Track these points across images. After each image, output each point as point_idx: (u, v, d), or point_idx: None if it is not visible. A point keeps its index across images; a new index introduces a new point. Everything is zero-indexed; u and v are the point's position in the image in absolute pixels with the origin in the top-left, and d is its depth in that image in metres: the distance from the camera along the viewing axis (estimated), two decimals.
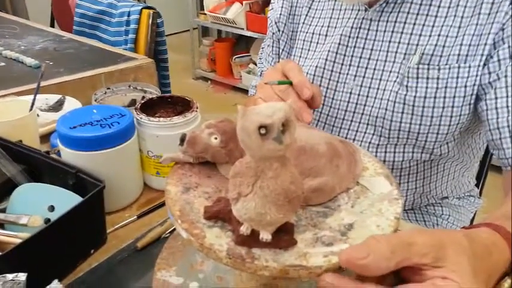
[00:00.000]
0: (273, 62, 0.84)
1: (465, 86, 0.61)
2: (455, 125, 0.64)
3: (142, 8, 1.49)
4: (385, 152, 0.69)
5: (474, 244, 0.36)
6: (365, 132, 0.70)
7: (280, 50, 0.82)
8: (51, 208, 0.53)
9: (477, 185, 0.96)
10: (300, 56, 0.76)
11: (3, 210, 0.55)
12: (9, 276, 0.42)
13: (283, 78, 0.56)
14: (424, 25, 0.63)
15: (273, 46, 0.83)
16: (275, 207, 0.31)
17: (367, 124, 0.69)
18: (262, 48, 0.89)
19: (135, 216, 0.60)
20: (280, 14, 0.79)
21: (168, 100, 0.67)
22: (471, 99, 0.62)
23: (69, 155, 0.57)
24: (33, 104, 0.65)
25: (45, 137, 0.74)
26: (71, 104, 0.86)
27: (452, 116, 0.63)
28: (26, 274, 0.42)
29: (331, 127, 0.73)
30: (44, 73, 0.68)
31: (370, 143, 0.69)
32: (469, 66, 0.60)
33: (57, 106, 0.86)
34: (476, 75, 0.61)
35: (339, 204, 0.42)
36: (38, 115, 0.74)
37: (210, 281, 0.49)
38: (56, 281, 0.43)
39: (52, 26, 2.64)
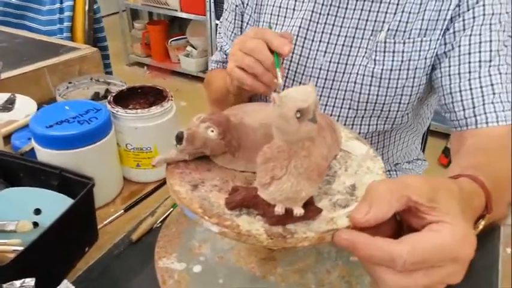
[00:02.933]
0: (234, 35, 0.84)
1: (425, 58, 0.67)
2: (415, 95, 0.70)
3: None
4: (353, 124, 0.74)
5: (461, 190, 0.40)
6: (334, 106, 0.74)
7: (245, 24, 0.82)
8: (37, 211, 0.52)
9: (422, 149, 1.07)
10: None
11: None
12: (17, 283, 0.41)
13: (252, 39, 0.59)
14: (389, 3, 0.67)
15: (235, 19, 0.83)
16: (308, 182, 0.34)
17: (336, 98, 0.73)
18: (221, 22, 0.89)
19: (122, 210, 0.60)
20: None
21: (138, 91, 0.66)
22: (428, 70, 0.69)
23: (46, 155, 0.55)
24: None
25: (5, 139, 0.70)
26: (24, 102, 0.81)
27: (413, 86, 0.69)
28: (34, 279, 0.41)
29: None
30: None
31: (339, 116, 0.74)
32: (430, 40, 0.66)
33: (8, 105, 0.81)
34: (435, 48, 0.67)
35: (335, 171, 0.45)
36: None
37: (211, 262, 0.51)
38: (65, 281, 0.43)
39: None
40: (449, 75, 0.65)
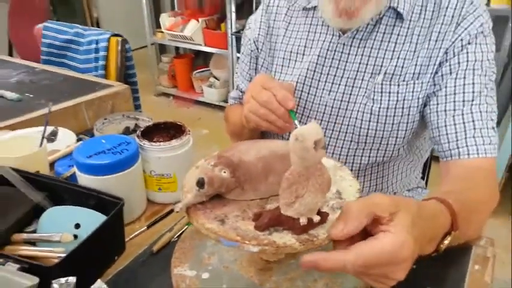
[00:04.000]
0: (250, 76, 0.97)
1: (418, 98, 0.77)
2: (410, 130, 0.80)
3: (110, 36, 1.58)
4: (354, 155, 0.84)
5: (421, 209, 0.48)
6: (338, 139, 0.84)
7: (259, 66, 0.93)
8: (77, 226, 0.64)
9: (423, 178, 1.15)
10: (281, 72, 0.88)
11: (34, 232, 0.64)
12: (62, 280, 0.52)
13: (262, 90, 0.70)
14: (386, 50, 0.77)
15: (250, 62, 0.95)
16: (321, 195, 0.46)
17: (340, 132, 0.83)
18: (239, 64, 1.00)
19: (145, 227, 0.71)
20: (259, 34, 0.91)
21: (161, 126, 0.78)
22: (421, 108, 0.78)
23: (86, 180, 0.67)
24: (43, 137, 0.75)
25: (50, 166, 0.83)
26: (65, 134, 0.94)
27: (408, 122, 0.78)
28: (75, 277, 0.52)
29: None
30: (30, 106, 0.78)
31: (342, 147, 0.84)
32: (422, 82, 0.76)
33: (52, 137, 0.95)
34: (426, 89, 0.76)
35: None
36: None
37: (218, 271, 0.61)
38: (99, 281, 0.54)
39: (10, 54, 2.65)
40: (437, 111, 0.75)
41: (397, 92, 0.77)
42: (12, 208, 0.64)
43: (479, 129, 0.72)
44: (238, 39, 2.82)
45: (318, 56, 0.82)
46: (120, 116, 0.86)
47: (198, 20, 2.99)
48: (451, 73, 0.74)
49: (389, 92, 0.77)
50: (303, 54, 0.85)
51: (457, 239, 0.57)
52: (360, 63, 0.79)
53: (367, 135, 0.81)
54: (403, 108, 0.78)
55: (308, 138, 0.42)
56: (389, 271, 0.45)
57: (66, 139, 0.94)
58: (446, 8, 0.75)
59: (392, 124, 0.79)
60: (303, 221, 0.46)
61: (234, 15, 2.77)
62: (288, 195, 0.46)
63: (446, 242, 0.55)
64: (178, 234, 0.69)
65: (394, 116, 0.78)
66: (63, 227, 0.63)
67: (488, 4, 2.03)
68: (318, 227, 0.48)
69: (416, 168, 0.96)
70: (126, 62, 1.62)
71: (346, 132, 0.83)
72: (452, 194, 0.58)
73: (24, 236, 0.62)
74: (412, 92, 0.77)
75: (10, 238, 0.62)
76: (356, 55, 0.79)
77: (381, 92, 0.78)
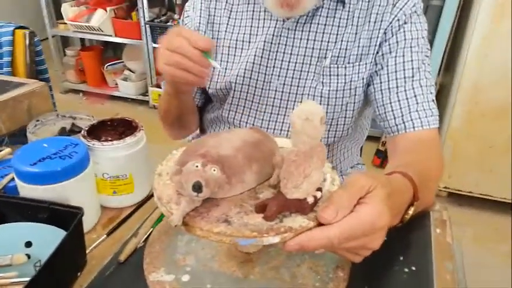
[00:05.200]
0: None
1: (363, 79, 0.80)
2: (357, 110, 0.83)
3: (14, 29, 1.40)
4: None
5: (392, 184, 0.52)
6: (289, 123, 0.84)
7: None
8: (28, 244, 0.55)
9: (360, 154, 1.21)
10: (227, 61, 0.86)
11: None
12: None
13: (175, 37, 0.64)
14: (330, 33, 0.79)
15: None
16: (322, 169, 0.46)
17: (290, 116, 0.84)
18: None
19: (105, 235, 0.65)
20: (200, 23, 0.88)
21: (107, 123, 0.71)
22: (365, 88, 0.81)
23: (31, 191, 0.58)
24: None
25: None
26: None
27: (355, 102, 0.82)
28: None
29: (261, 121, 0.86)
30: None
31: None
32: (365, 63, 0.79)
33: None
34: (370, 70, 0.80)
35: None
36: None
37: (197, 271, 0.58)
38: None
39: None
40: (381, 90, 0.78)
41: (344, 74, 0.80)
42: None
43: (421, 103, 0.76)
44: (153, 29, 2.69)
45: (264, 42, 0.82)
46: (53, 117, 0.77)
47: (105, 10, 2.79)
48: (390, 52, 0.78)
49: (337, 75, 0.80)
50: (249, 42, 0.84)
51: (418, 208, 0.61)
52: (306, 47, 0.80)
53: None
54: (350, 89, 0.80)
55: (316, 117, 0.42)
56: (367, 241, 0.47)
57: None
58: None
59: (341, 105, 0.82)
60: (310, 199, 0.46)
61: (146, 3, 2.63)
62: (296, 178, 0.45)
63: (410, 212, 0.59)
64: (144, 238, 0.64)
65: (342, 97, 0.81)
66: (12, 248, 0.54)
67: None
68: (319, 203, 0.48)
69: (358, 146, 1.01)
70: (35, 57, 1.45)
71: None
72: (410, 167, 0.62)
73: None
74: (358, 73, 0.80)
75: None
76: (301, 39, 0.80)
77: (329, 75, 0.80)
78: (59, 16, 3.00)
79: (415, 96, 0.77)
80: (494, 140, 1.85)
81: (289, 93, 0.83)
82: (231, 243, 0.46)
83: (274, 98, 0.84)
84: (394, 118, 0.78)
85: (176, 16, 2.71)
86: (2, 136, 1.02)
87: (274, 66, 0.82)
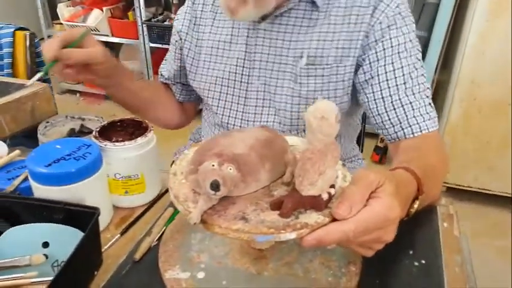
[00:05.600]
0: (177, 65, 0.97)
1: (343, 81, 0.80)
2: (339, 110, 0.82)
3: (15, 30, 1.40)
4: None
5: (399, 178, 0.54)
6: (273, 122, 0.86)
7: (185, 56, 0.93)
8: (45, 244, 0.56)
9: (361, 150, 1.23)
10: (210, 61, 0.89)
11: None
12: None
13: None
14: (306, 33, 0.79)
15: (175, 52, 0.96)
16: (335, 166, 0.47)
17: (274, 115, 0.86)
18: (168, 53, 1.01)
19: (119, 235, 0.65)
20: (183, 25, 0.92)
21: (117, 124, 0.72)
22: (349, 90, 0.81)
23: (47, 192, 0.59)
24: None
25: None
26: None
27: (336, 103, 0.81)
28: None
29: (247, 122, 0.88)
30: None
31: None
32: (345, 66, 0.79)
33: None
34: (351, 72, 0.79)
35: None
36: None
37: (212, 268, 0.59)
38: None
39: None
40: (375, 99, 0.78)
41: (322, 75, 0.80)
42: None
43: (417, 108, 0.77)
44: (150, 28, 2.69)
45: (246, 44, 0.83)
46: (62, 118, 0.77)
47: (101, 9, 2.78)
48: (378, 60, 0.77)
49: (315, 76, 0.80)
50: (230, 43, 0.86)
51: (423, 202, 0.62)
52: (282, 47, 0.81)
53: (298, 118, 0.84)
54: (329, 90, 0.81)
55: (331, 115, 0.44)
56: (382, 233, 0.49)
57: None
58: None
59: None
60: (325, 196, 0.47)
61: (142, 2, 2.62)
62: (312, 175, 0.46)
63: (415, 206, 0.60)
64: (158, 237, 0.64)
65: (321, 98, 0.81)
66: (29, 249, 0.55)
67: None
68: (333, 199, 0.50)
69: (352, 140, 1.02)
70: (36, 58, 1.45)
71: (278, 116, 0.85)
72: (413, 162, 0.63)
73: None
74: (336, 74, 0.80)
75: None
76: (277, 39, 0.81)
77: (307, 76, 0.80)
78: (55, 16, 2.98)
79: (411, 103, 0.77)
80: (491, 136, 1.87)
81: (269, 93, 0.84)
82: (249, 239, 0.47)
83: (257, 99, 0.86)
84: (393, 126, 0.78)
85: (173, 15, 2.71)
86: (4, 138, 1.02)
87: (253, 68, 0.84)
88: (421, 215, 0.66)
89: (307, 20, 0.79)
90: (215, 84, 0.88)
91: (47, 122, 0.74)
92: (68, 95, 3.21)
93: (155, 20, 2.68)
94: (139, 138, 0.66)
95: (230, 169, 0.48)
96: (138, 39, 2.77)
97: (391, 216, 0.48)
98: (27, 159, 0.60)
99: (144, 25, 2.69)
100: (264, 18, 0.80)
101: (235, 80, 0.86)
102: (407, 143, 0.77)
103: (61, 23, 2.93)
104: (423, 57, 2.23)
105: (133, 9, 2.74)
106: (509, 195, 1.97)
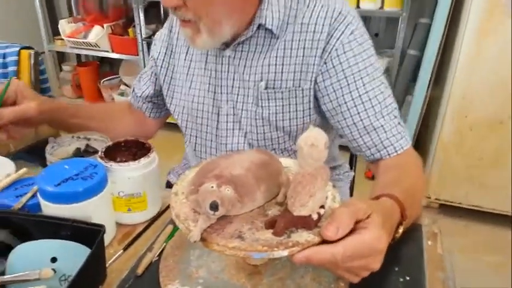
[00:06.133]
0: (151, 88, 1.02)
1: (302, 103, 0.84)
2: (301, 129, 0.87)
3: (20, 49, 1.45)
4: None
5: (384, 208, 0.59)
6: (244, 143, 0.91)
7: (161, 82, 0.99)
8: (53, 259, 0.60)
9: (351, 163, 1.27)
10: (183, 86, 0.94)
11: (3, 273, 0.59)
12: None
13: None
14: (264, 58, 0.83)
15: (150, 76, 1.01)
16: (325, 188, 0.52)
17: (244, 137, 0.91)
18: (143, 72, 1.05)
19: (122, 250, 0.69)
20: (159, 53, 0.97)
21: (122, 145, 0.76)
22: (311, 111, 0.85)
23: (55, 210, 0.63)
24: None
25: None
26: (2, 163, 0.86)
27: (297, 124, 0.86)
28: None
29: (220, 144, 0.93)
30: None
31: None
32: (302, 90, 0.83)
33: None
34: (309, 95, 0.83)
35: None
36: None
37: (210, 282, 0.63)
38: None
39: None
40: (347, 126, 0.83)
41: (282, 99, 0.85)
42: None
43: (389, 130, 0.81)
44: (150, 45, 2.74)
45: (214, 70, 0.89)
46: (69, 138, 0.81)
47: (102, 26, 2.84)
48: (342, 88, 0.80)
49: (275, 99, 0.85)
50: (204, 69, 0.90)
51: (407, 224, 0.67)
52: (244, 73, 0.86)
53: (264, 139, 0.90)
54: (289, 112, 0.86)
55: (321, 142, 0.48)
56: (369, 261, 0.53)
57: (2, 167, 0.86)
58: (317, 18, 0.80)
59: (283, 127, 0.87)
60: (315, 216, 0.52)
61: (143, 20, 2.69)
62: (303, 197, 0.50)
63: (400, 231, 0.65)
64: (158, 252, 0.68)
65: (283, 119, 0.86)
66: (38, 263, 0.59)
67: (382, 7, 2.27)
68: (323, 218, 0.54)
69: (330, 149, 1.04)
70: (40, 76, 1.50)
71: (245, 137, 0.91)
72: (395, 189, 0.68)
73: None
74: (295, 97, 0.84)
75: None
76: (239, 65, 0.86)
77: (267, 99, 0.85)
78: (56, 32, 3.04)
79: (382, 126, 0.81)
80: (483, 153, 1.92)
81: (238, 115, 0.89)
82: (244, 256, 0.51)
83: (227, 122, 0.90)
84: (369, 149, 0.83)
85: None
86: (9, 154, 1.06)
87: (221, 92, 0.89)
88: (407, 233, 0.70)
89: (266, 47, 0.83)
90: (191, 108, 0.93)
91: (54, 143, 0.77)
92: None
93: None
94: (142, 158, 0.71)
95: (228, 190, 0.53)
96: (138, 55, 2.83)
97: (379, 247, 0.52)
98: (38, 178, 0.64)
99: (144, 42, 2.75)
100: (228, 45, 0.85)
101: (207, 104, 0.91)
102: (386, 163, 0.82)
103: (62, 39, 2.99)
104: (415, 75, 2.29)
105: (134, 26, 2.80)
106: (501, 213, 2.01)
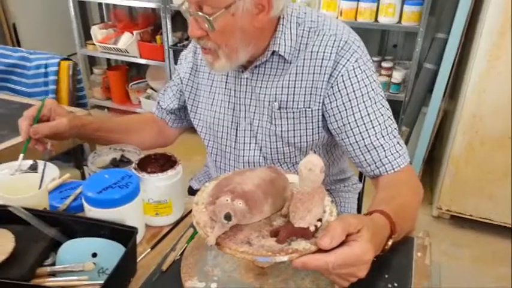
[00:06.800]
0: (175, 103, 1.13)
1: (312, 122, 0.94)
2: (311, 145, 0.98)
3: (60, 60, 1.59)
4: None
5: (374, 224, 0.68)
6: (259, 156, 1.02)
7: (186, 98, 1.10)
8: (94, 255, 0.72)
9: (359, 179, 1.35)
10: (205, 103, 1.05)
11: (53, 264, 0.71)
12: None
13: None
14: (278, 81, 0.94)
15: (176, 91, 1.12)
16: (322, 205, 0.63)
17: (259, 150, 1.02)
18: (168, 86, 1.15)
19: (149, 249, 0.81)
20: (185, 72, 1.08)
21: (152, 157, 0.88)
22: (319, 130, 0.95)
23: (95, 212, 0.75)
24: (43, 177, 0.81)
25: None
26: (49, 168, 0.98)
27: (307, 141, 0.97)
28: None
29: (238, 156, 1.04)
30: None
31: (260, 163, 1.02)
32: (312, 110, 0.93)
33: (33, 171, 0.99)
34: (318, 115, 0.93)
35: None
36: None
37: (223, 280, 0.74)
38: None
39: None
40: (350, 144, 0.92)
41: (293, 118, 0.95)
42: (32, 244, 0.71)
43: (388, 149, 0.90)
44: (176, 52, 2.89)
45: (234, 90, 1.00)
46: (106, 149, 0.94)
47: (132, 33, 3.00)
48: (346, 110, 0.90)
49: (287, 118, 0.95)
50: (225, 88, 1.01)
51: (397, 238, 0.76)
52: (260, 93, 0.97)
53: (277, 153, 1.00)
54: (300, 129, 0.96)
55: (317, 167, 0.58)
56: (356, 270, 0.63)
57: (47, 171, 0.99)
58: (325, 46, 0.90)
59: (295, 143, 0.98)
60: (312, 228, 0.62)
61: (170, 28, 2.83)
62: (302, 212, 0.61)
63: (389, 243, 0.74)
64: (181, 252, 0.79)
65: (294, 136, 0.97)
66: (81, 257, 0.71)
67: (400, 21, 2.34)
68: (319, 230, 0.64)
69: (337, 165, 1.14)
70: (77, 85, 1.64)
71: (262, 151, 1.01)
72: (388, 205, 0.77)
73: (48, 269, 0.69)
74: (305, 117, 0.94)
75: (35, 272, 0.68)
76: (255, 86, 0.97)
77: (280, 118, 0.96)
78: (88, 37, 3.22)
79: (381, 145, 0.90)
80: (492, 167, 1.98)
81: (253, 131, 1.00)
82: (251, 259, 0.62)
83: (244, 137, 1.02)
84: (369, 166, 0.92)
85: None
86: (50, 159, 1.19)
87: (240, 110, 1.00)
88: (399, 244, 0.80)
89: (280, 70, 0.94)
90: (212, 123, 1.05)
91: (95, 153, 0.90)
92: (97, 110, 3.43)
93: (181, 45, 2.88)
94: (169, 170, 0.82)
95: (240, 204, 0.63)
96: (164, 61, 2.97)
97: (365, 258, 0.62)
98: (83, 186, 0.76)
99: (170, 49, 2.89)
100: (246, 68, 0.96)
101: (227, 120, 1.03)
102: (384, 180, 0.91)
103: (93, 44, 3.16)
104: (432, 88, 2.34)
105: (161, 34, 2.94)
106: (509, 225, 2.05)
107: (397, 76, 2.49)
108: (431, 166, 2.54)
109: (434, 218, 2.25)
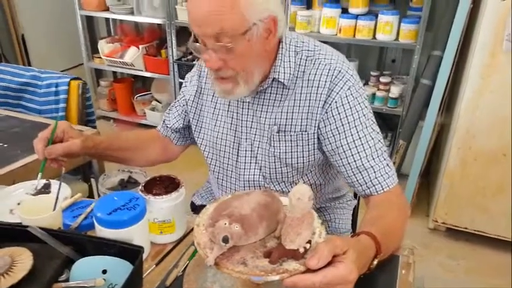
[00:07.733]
0: (180, 122, 1.19)
1: (308, 145, 1.01)
2: (307, 166, 1.05)
3: (70, 80, 1.67)
4: (271, 188, 1.09)
5: (360, 245, 0.75)
6: (259, 175, 1.09)
7: (191, 118, 1.16)
8: (104, 272, 0.79)
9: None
10: (209, 123, 1.12)
11: (66, 280, 0.78)
12: None
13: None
14: (278, 106, 1.01)
15: (181, 112, 1.18)
16: (311, 229, 0.69)
17: (259, 170, 1.09)
18: (173, 105, 1.22)
19: (154, 265, 0.88)
20: (190, 95, 1.14)
21: (157, 179, 0.95)
22: (315, 151, 1.02)
23: (105, 232, 0.82)
24: (57, 199, 0.89)
25: None
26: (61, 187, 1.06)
27: (304, 162, 1.04)
28: None
29: (239, 175, 1.11)
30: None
31: (259, 181, 1.09)
32: (308, 133, 1.00)
33: (46, 190, 1.06)
34: (314, 138, 1.00)
35: None
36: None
37: None
38: None
39: None
40: (343, 165, 0.99)
41: (290, 140, 1.02)
42: (48, 261, 0.78)
43: (378, 171, 0.97)
44: (180, 66, 2.98)
45: (236, 113, 1.07)
46: (115, 171, 1.02)
47: (138, 47, 3.09)
48: (339, 134, 0.97)
49: (285, 140, 1.03)
50: (227, 111, 1.09)
51: (382, 257, 0.81)
52: (260, 116, 1.04)
53: (276, 172, 1.08)
54: (297, 151, 1.03)
55: (306, 196, 0.65)
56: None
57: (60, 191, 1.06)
58: (320, 75, 0.97)
59: (292, 164, 1.05)
60: (301, 250, 0.68)
61: (174, 42, 2.92)
62: (292, 235, 0.67)
63: (375, 263, 0.80)
64: (183, 269, 0.86)
65: (291, 158, 1.04)
66: (93, 274, 0.78)
67: (397, 39, 2.42)
68: (308, 252, 0.70)
69: (332, 184, 1.20)
70: (86, 102, 1.72)
71: (260, 170, 1.09)
72: (375, 226, 0.84)
73: (63, 284, 0.76)
74: (302, 140, 1.01)
75: (51, 287, 0.76)
76: (256, 110, 1.04)
77: (279, 140, 1.03)
78: (95, 51, 3.32)
79: (372, 167, 0.96)
80: (487, 182, 2.03)
81: (254, 151, 1.08)
82: (246, 278, 0.68)
83: (245, 156, 1.09)
84: (360, 186, 0.99)
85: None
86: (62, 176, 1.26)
87: (241, 131, 1.07)
88: (385, 262, 0.86)
89: (279, 96, 1.01)
90: (215, 143, 1.12)
91: (104, 175, 0.97)
92: (103, 121, 3.52)
93: (185, 59, 2.97)
94: (173, 192, 0.89)
95: (237, 227, 0.70)
96: (169, 74, 3.06)
97: (349, 278, 0.68)
98: (95, 208, 0.83)
99: (175, 63, 2.97)
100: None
101: (229, 141, 1.09)
102: (374, 200, 0.98)
103: (100, 57, 3.26)
104: (428, 103, 2.40)
105: (166, 48, 3.04)
106: (503, 238, 2.11)
107: (395, 91, 2.56)
108: (428, 179, 2.60)
109: (431, 230, 2.30)
